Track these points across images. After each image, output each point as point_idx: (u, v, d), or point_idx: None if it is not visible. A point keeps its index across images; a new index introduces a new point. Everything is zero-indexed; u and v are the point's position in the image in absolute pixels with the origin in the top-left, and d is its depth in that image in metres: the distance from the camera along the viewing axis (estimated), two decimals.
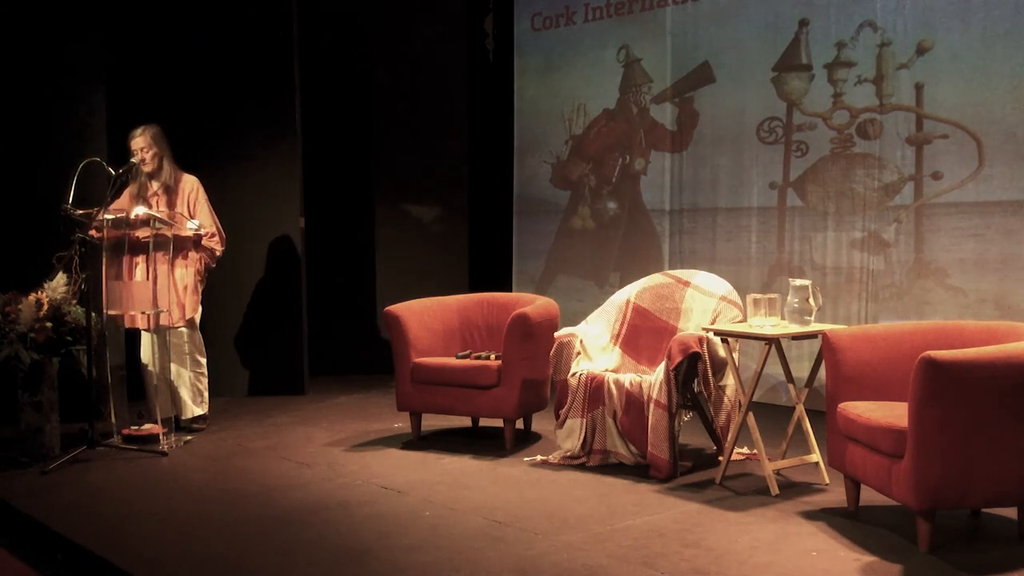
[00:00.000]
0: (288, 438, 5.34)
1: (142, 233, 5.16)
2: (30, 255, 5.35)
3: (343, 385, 6.91)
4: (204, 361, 5.54)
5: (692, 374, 4.49)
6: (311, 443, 5.21)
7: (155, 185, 5.39)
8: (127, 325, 5.35)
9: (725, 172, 6.40)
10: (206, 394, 5.57)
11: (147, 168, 5.34)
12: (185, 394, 5.47)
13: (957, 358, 3.26)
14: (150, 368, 5.41)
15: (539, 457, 4.76)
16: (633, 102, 6.94)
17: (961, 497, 3.35)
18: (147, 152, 5.32)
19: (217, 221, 5.48)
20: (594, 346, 4.88)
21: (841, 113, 5.83)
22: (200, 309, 5.47)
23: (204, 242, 5.40)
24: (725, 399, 4.63)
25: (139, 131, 5.35)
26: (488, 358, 5.07)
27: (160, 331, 5.32)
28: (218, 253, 5.49)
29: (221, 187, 5.71)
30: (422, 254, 7.50)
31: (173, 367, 5.41)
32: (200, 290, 5.45)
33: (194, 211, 5.40)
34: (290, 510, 4.02)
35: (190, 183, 5.45)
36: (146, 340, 5.42)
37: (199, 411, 5.53)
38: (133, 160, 5.29)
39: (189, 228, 5.27)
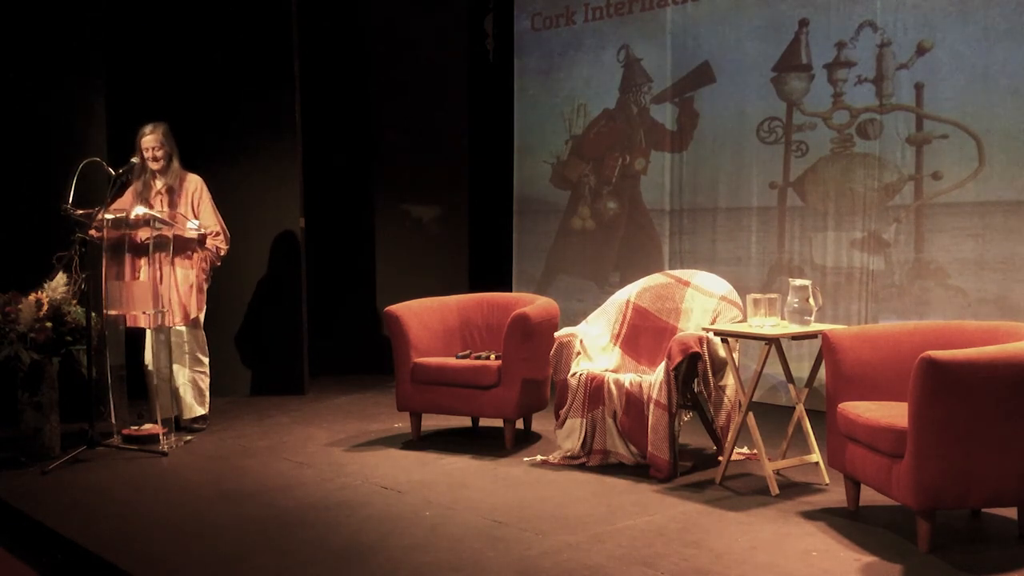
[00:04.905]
0: (288, 438, 5.34)
1: (143, 234, 5.16)
2: (30, 255, 5.35)
3: (343, 385, 6.90)
4: (206, 361, 5.55)
5: (692, 374, 4.49)
6: (311, 443, 5.21)
7: (160, 183, 5.39)
8: (129, 324, 5.35)
9: (725, 172, 6.40)
10: (207, 393, 5.58)
11: (155, 166, 5.34)
12: (188, 393, 5.47)
13: (957, 358, 3.26)
14: (151, 368, 5.41)
15: (539, 457, 4.76)
16: (633, 102, 6.94)
17: (961, 497, 3.35)
18: (158, 151, 5.32)
19: (221, 220, 5.49)
20: (594, 346, 4.88)
21: (841, 113, 5.83)
22: (204, 308, 5.49)
23: (209, 241, 5.41)
24: (725, 399, 4.63)
25: (149, 128, 5.34)
26: (488, 358, 5.07)
27: (163, 331, 5.33)
28: (223, 252, 5.50)
29: (221, 187, 5.70)
30: (422, 254, 7.50)
31: (176, 367, 5.42)
32: (205, 289, 5.46)
33: (198, 210, 5.40)
34: (290, 510, 4.02)
35: (194, 182, 5.45)
36: (149, 340, 5.42)
37: (201, 411, 5.53)
38: (133, 160, 5.27)
39: (189, 228, 5.27)
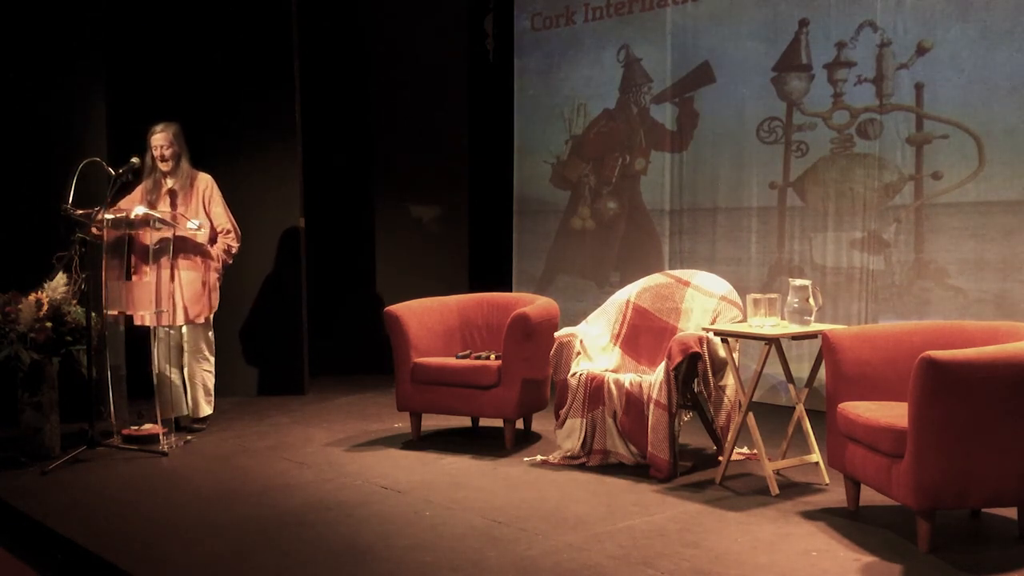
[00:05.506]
0: (288, 438, 5.34)
1: (149, 235, 5.16)
2: (30, 255, 5.35)
3: (343, 385, 6.90)
4: (213, 360, 5.57)
5: (692, 374, 4.49)
6: (311, 443, 5.21)
7: (170, 183, 5.39)
8: (137, 323, 5.36)
9: (725, 172, 6.40)
10: (213, 393, 5.59)
11: (164, 167, 5.35)
12: (198, 393, 5.49)
13: (957, 358, 3.26)
14: (156, 368, 5.41)
15: (539, 457, 4.76)
16: (633, 102, 6.94)
17: (961, 497, 3.35)
18: (167, 150, 5.33)
19: (232, 218, 5.50)
20: (594, 346, 4.88)
21: (841, 113, 5.83)
22: (216, 307, 5.51)
23: (220, 239, 5.42)
24: (725, 399, 4.63)
25: (160, 127, 5.35)
26: (488, 358, 5.07)
27: (166, 330, 5.34)
28: (234, 250, 5.52)
29: (221, 187, 5.69)
30: (422, 254, 7.50)
31: (189, 367, 5.44)
32: (218, 288, 5.48)
33: (209, 209, 5.42)
34: (290, 510, 4.02)
35: (204, 181, 5.46)
36: (156, 339, 5.43)
37: (208, 410, 5.56)
38: (133, 159, 5.27)
39: (189, 228, 5.27)
